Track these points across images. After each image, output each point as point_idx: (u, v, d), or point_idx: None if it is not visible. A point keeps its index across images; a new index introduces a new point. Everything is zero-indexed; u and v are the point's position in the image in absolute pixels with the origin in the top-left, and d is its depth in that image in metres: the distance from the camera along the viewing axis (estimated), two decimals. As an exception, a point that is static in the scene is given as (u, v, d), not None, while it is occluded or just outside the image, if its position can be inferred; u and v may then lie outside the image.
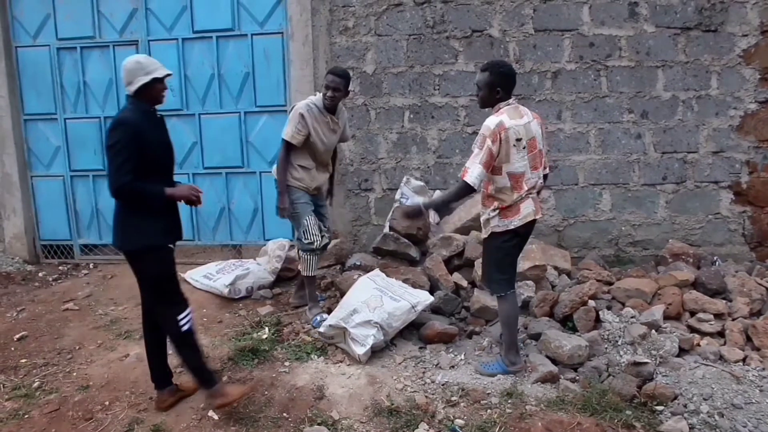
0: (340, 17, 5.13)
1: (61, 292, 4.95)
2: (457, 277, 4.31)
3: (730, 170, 4.96)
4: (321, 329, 3.66)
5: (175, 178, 3.11)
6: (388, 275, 4.00)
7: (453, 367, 3.45)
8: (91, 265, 5.70)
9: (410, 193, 4.98)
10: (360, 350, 3.44)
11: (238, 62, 5.38)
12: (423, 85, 5.12)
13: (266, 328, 3.94)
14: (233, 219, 5.64)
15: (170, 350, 3.18)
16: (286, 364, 3.50)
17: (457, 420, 2.95)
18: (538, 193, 3.31)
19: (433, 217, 4.86)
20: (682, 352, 3.50)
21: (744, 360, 3.43)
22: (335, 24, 5.14)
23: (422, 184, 5.07)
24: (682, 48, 4.86)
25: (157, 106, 2.95)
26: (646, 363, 3.26)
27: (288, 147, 3.87)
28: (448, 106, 5.12)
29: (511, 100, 3.14)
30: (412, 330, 3.80)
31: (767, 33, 4.77)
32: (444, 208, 3.18)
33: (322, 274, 4.66)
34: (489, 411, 3.01)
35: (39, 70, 5.65)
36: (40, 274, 5.55)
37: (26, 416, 3.11)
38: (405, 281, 3.99)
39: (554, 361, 3.39)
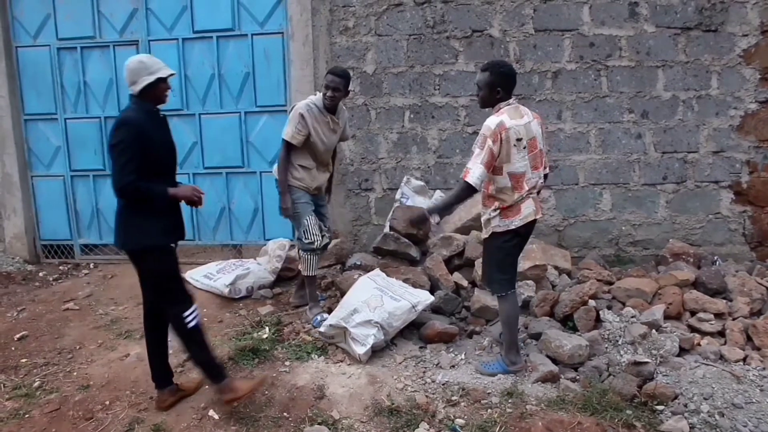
0: (341, 17, 5.13)
1: (62, 292, 4.95)
2: (457, 276, 4.31)
3: (730, 170, 4.96)
4: (321, 329, 3.66)
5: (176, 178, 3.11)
6: (388, 275, 4.01)
7: (453, 366, 3.45)
8: (91, 265, 5.70)
9: (411, 193, 4.98)
10: (360, 350, 3.44)
11: (238, 62, 5.39)
12: (423, 85, 5.12)
13: (267, 328, 3.94)
14: (233, 219, 5.65)
15: (171, 350, 3.19)
16: (287, 363, 3.50)
17: (457, 419, 2.95)
18: (538, 192, 3.31)
19: (433, 217, 4.85)
20: (682, 351, 3.50)
21: (744, 359, 3.43)
22: (335, 24, 5.15)
23: (422, 184, 5.08)
24: (683, 48, 4.87)
25: (160, 106, 2.95)
26: (646, 362, 3.26)
27: (288, 147, 3.87)
28: (449, 106, 5.13)
29: (511, 100, 3.14)
30: (413, 330, 3.80)
31: (767, 33, 4.77)
32: (447, 210, 3.19)
33: (322, 274, 4.66)
34: (489, 410, 3.01)
35: (39, 70, 5.65)
36: (41, 274, 5.56)
37: (27, 416, 3.11)
38: (405, 281, 4.00)
39: (555, 361, 3.39)
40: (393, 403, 3.07)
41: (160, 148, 2.89)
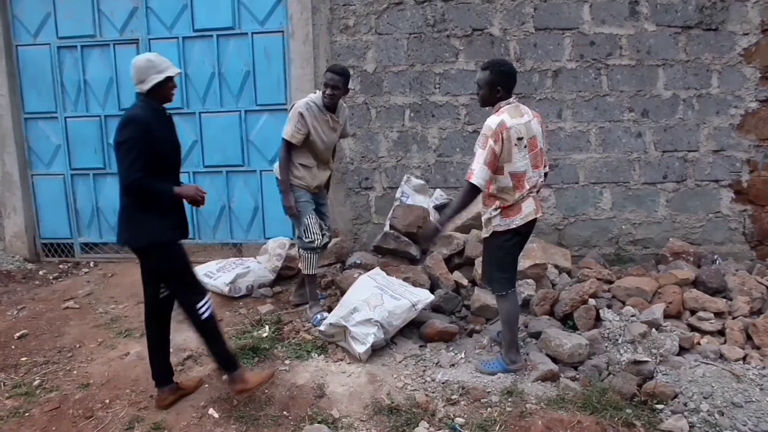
0: (341, 16, 5.13)
1: (62, 291, 4.96)
2: (457, 275, 4.31)
3: (730, 169, 4.95)
4: (321, 328, 3.66)
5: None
6: (388, 274, 4.01)
7: (453, 365, 3.45)
8: (91, 264, 5.71)
9: (411, 192, 4.98)
10: (360, 348, 3.44)
11: (238, 61, 5.38)
12: (423, 83, 5.12)
13: (267, 327, 3.95)
14: (234, 217, 5.65)
15: (171, 349, 3.20)
16: (287, 362, 3.51)
17: (457, 418, 2.95)
18: (538, 191, 3.31)
19: (433, 216, 4.86)
20: (682, 350, 3.50)
21: (744, 358, 3.42)
22: (336, 22, 5.14)
23: (423, 182, 5.08)
24: (683, 47, 4.86)
25: (165, 105, 2.97)
26: (646, 361, 3.26)
27: (288, 146, 3.87)
28: (449, 104, 5.12)
29: (511, 99, 3.13)
30: (413, 328, 3.80)
31: (768, 32, 4.78)
32: (456, 216, 3.21)
33: (322, 273, 4.66)
34: (489, 409, 3.01)
35: (39, 69, 5.65)
36: (41, 273, 5.56)
37: (27, 414, 3.12)
38: (405, 280, 4.00)
39: (554, 360, 3.39)
40: (393, 402, 3.08)
41: (166, 146, 2.91)
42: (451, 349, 3.63)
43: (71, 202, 5.81)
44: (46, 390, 3.36)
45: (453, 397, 3.13)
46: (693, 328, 3.72)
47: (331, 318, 3.62)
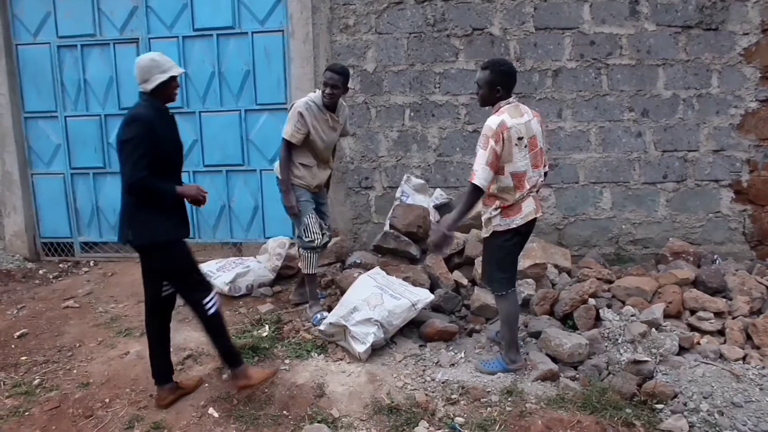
0: (341, 15, 5.12)
1: (62, 290, 4.96)
2: (457, 275, 4.31)
3: (730, 169, 4.95)
4: (321, 327, 3.66)
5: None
6: (388, 273, 4.01)
7: (453, 365, 3.45)
8: (91, 263, 5.71)
9: (411, 191, 4.98)
10: (360, 348, 3.44)
11: (238, 60, 5.38)
12: (423, 83, 5.12)
13: (266, 326, 3.95)
14: (234, 217, 5.64)
15: (171, 348, 3.20)
16: (287, 361, 3.51)
17: (457, 418, 2.95)
18: (538, 191, 3.31)
19: (433, 215, 4.86)
20: (682, 350, 3.50)
21: (744, 358, 3.42)
22: (336, 22, 5.14)
23: (423, 182, 5.08)
24: (683, 46, 4.86)
25: (168, 104, 2.98)
26: (646, 361, 3.26)
27: (288, 145, 3.87)
28: (449, 104, 5.12)
29: (511, 99, 3.13)
30: (413, 328, 3.80)
31: (768, 31, 4.77)
32: (462, 219, 3.21)
33: (322, 272, 4.66)
34: (489, 409, 3.01)
35: (39, 68, 5.65)
36: (41, 272, 5.56)
37: (26, 413, 3.12)
38: (405, 279, 4.00)
39: (554, 360, 3.39)
40: (393, 402, 3.08)
41: (170, 145, 2.92)
42: (450, 348, 3.63)
43: (71, 202, 5.81)
44: (46, 389, 3.36)
45: (453, 396, 3.13)
46: (693, 327, 3.72)
47: (331, 317, 3.62)
